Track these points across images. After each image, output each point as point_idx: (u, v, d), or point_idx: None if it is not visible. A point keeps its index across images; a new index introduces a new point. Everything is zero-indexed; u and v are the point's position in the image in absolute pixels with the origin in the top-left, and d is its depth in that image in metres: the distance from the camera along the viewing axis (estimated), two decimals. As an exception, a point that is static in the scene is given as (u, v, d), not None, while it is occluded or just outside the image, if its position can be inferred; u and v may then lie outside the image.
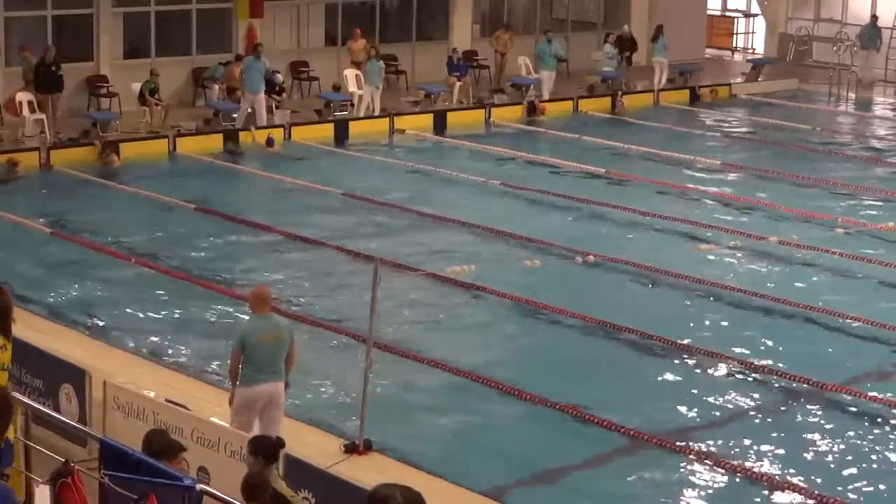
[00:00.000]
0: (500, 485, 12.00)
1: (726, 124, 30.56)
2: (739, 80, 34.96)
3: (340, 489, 10.15)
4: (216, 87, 27.67)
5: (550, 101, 30.62)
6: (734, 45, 41.20)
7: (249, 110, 26.30)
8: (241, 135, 26.04)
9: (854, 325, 16.27)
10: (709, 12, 39.50)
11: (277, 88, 27.72)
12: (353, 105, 28.35)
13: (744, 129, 30.08)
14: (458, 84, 30.05)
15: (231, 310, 16.35)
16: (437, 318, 16.61)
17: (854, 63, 34.73)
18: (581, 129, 28.37)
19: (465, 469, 12.19)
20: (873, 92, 34.37)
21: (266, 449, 9.49)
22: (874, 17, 35.35)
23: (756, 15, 40.87)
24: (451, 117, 28.84)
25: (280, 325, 12.02)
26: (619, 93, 31.32)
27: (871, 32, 35.19)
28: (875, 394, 14.13)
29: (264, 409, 11.74)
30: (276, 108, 27.41)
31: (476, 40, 33.25)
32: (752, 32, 41.40)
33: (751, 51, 40.83)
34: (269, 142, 25.95)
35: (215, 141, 25.71)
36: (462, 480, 11.78)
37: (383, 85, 28.61)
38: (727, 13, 41.90)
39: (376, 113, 28.15)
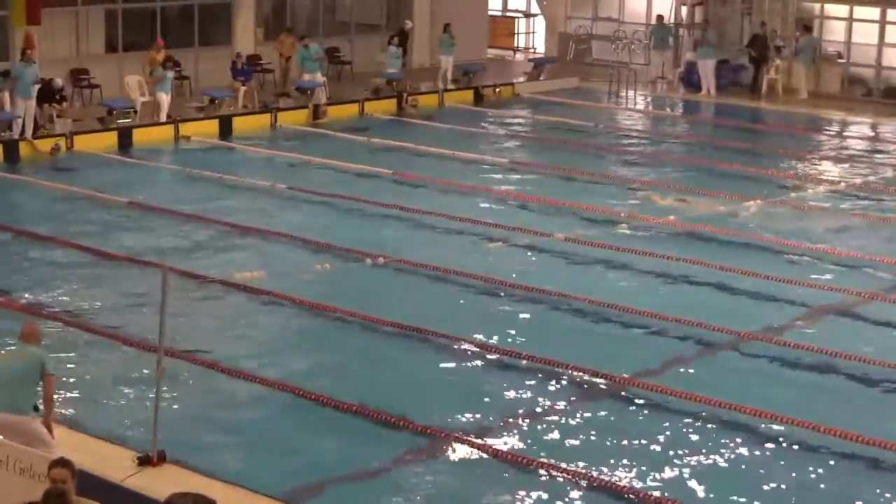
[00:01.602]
0: (300, 488, 11.94)
1: (511, 123, 31.01)
2: (522, 79, 35.54)
3: (134, 501, 9.96)
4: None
5: (336, 103, 30.62)
6: (516, 45, 41.90)
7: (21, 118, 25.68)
8: (21, 145, 25.40)
9: (641, 318, 16.63)
10: (490, 13, 40.09)
11: (57, 97, 27.02)
12: (136, 112, 27.88)
13: (528, 128, 30.58)
14: (242, 89, 29.81)
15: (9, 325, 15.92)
16: (230, 325, 16.40)
17: (633, 61, 35.62)
18: (368, 131, 28.47)
19: (263, 476, 12.08)
20: (648, 88, 35.34)
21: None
22: (660, 18, 36.29)
23: (536, 15, 41.65)
24: (237, 122, 28.56)
25: (24, 351, 11.63)
26: (405, 94, 31.53)
27: (661, 32, 36.13)
28: (664, 385, 14.46)
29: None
30: (58, 116, 26.75)
31: (260, 45, 33.06)
32: (533, 32, 42.20)
33: (532, 50, 41.58)
34: (55, 150, 25.33)
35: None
36: (259, 488, 11.67)
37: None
38: (508, 13, 42.59)
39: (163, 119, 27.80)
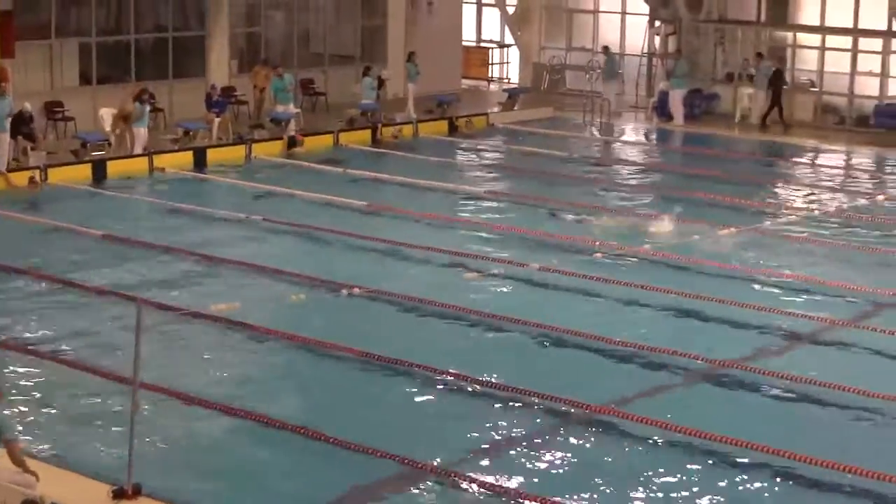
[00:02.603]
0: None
1: (486, 153, 31.14)
2: (496, 109, 35.69)
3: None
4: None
5: (311, 134, 30.69)
6: (490, 75, 42.07)
7: None
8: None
9: (614, 347, 16.71)
10: (464, 43, 40.26)
11: (27, 128, 26.90)
12: (109, 144, 27.87)
13: (503, 158, 30.70)
14: (217, 120, 29.85)
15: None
16: (206, 357, 16.43)
17: (601, 91, 35.87)
18: (343, 162, 28.54)
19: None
20: (622, 118, 35.53)
21: None
22: (605, 48, 36.51)
23: (510, 45, 41.82)
24: (212, 154, 28.57)
25: None
26: (381, 125, 31.68)
27: (609, 63, 36.31)
28: (638, 414, 14.49)
29: None
30: (32, 149, 26.72)
31: (234, 77, 33.13)
32: (507, 62, 42.37)
33: (506, 80, 41.75)
34: (34, 182, 25.35)
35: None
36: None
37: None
38: (482, 44, 42.76)
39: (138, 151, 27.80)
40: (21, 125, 26.76)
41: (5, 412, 12.19)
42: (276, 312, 17.98)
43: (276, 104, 31.11)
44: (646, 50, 37.15)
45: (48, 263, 20.29)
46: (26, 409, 14.37)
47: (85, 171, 26.62)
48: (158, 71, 31.57)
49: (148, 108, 28.59)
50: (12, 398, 14.40)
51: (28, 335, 16.98)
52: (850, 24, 33.96)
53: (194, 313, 17.46)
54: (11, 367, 15.73)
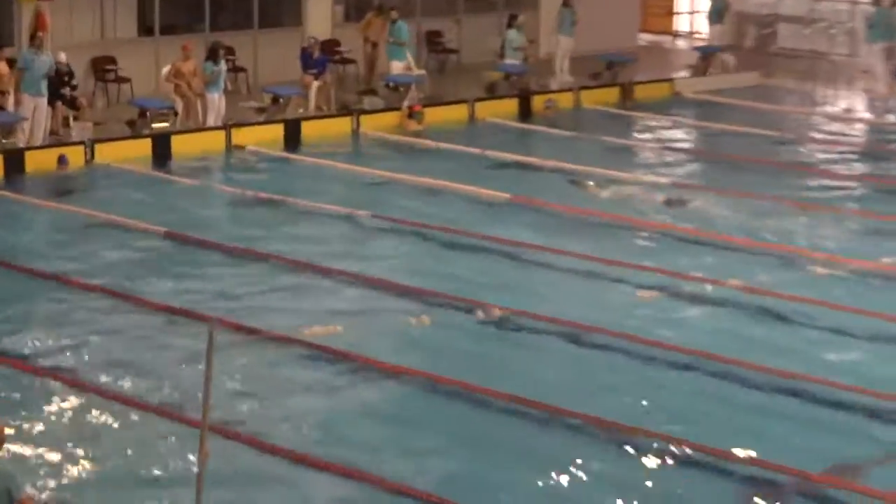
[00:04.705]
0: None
1: (670, 133, 30.93)
2: (684, 74, 35.41)
3: None
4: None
5: (438, 104, 30.69)
6: (676, 28, 41.78)
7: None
8: (28, 156, 25.68)
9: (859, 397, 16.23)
10: (643, -13, 40.11)
11: (69, 94, 27.26)
12: (176, 114, 28.13)
13: (693, 140, 30.44)
14: (315, 84, 29.99)
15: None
16: (294, 394, 16.33)
17: (834, 51, 35.28)
18: (481, 141, 28.53)
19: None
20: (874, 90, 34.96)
21: None
22: None
23: (703, -11, 41.50)
24: (308, 128, 28.92)
25: None
26: (530, 94, 31.61)
27: (881, 15, 35.43)
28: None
29: None
30: (74, 119, 27.07)
31: (339, 26, 33.23)
32: (699, 12, 41.95)
33: (697, 36, 41.37)
34: (62, 161, 25.63)
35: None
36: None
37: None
38: (667, -14, 42.56)
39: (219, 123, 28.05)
40: (58, 86, 27.03)
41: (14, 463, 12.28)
42: (389, 339, 17.92)
43: (391, 63, 31.17)
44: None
45: (92, 269, 20.49)
46: (57, 459, 14.40)
47: (143, 147, 27.03)
48: (240, 19, 31.85)
49: (224, 68, 28.76)
50: (40, 442, 14.54)
51: (59, 359, 17.06)
52: None
53: (281, 337, 17.46)
54: (41, 400, 15.79)
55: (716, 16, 36.71)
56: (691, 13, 42.06)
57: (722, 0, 36.59)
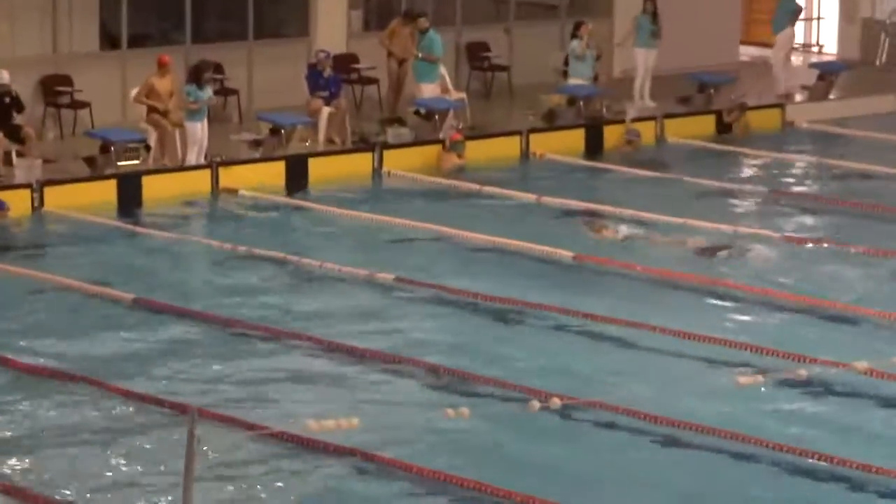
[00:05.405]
0: None
1: (781, 171, 30.80)
2: (799, 97, 35.33)
3: None
4: None
5: (480, 137, 30.66)
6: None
7: None
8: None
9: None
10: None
11: (13, 123, 27.27)
12: (148, 148, 28.03)
13: (810, 181, 30.32)
14: (326, 111, 29.95)
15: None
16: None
17: None
18: (537, 185, 28.49)
19: None
20: None
21: None
22: None
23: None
24: (317, 167, 28.87)
25: None
26: (602, 122, 31.56)
27: None
28: None
29: None
30: (18, 155, 27.01)
31: (356, 38, 33.27)
32: (818, 18, 41.87)
33: (816, 49, 41.27)
34: (1, 207, 25.53)
35: None
36: None
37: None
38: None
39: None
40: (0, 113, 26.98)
41: None
42: (418, 436, 17.83)
43: (419, 84, 31.14)
44: None
45: (40, 348, 20.48)
46: None
47: (106, 191, 27.03)
48: (230, 27, 31.90)
49: (210, 91, 28.69)
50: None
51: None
52: None
53: (280, 434, 17.26)
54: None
55: (786, 17, 36.05)
56: (807, 20, 41.85)
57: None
